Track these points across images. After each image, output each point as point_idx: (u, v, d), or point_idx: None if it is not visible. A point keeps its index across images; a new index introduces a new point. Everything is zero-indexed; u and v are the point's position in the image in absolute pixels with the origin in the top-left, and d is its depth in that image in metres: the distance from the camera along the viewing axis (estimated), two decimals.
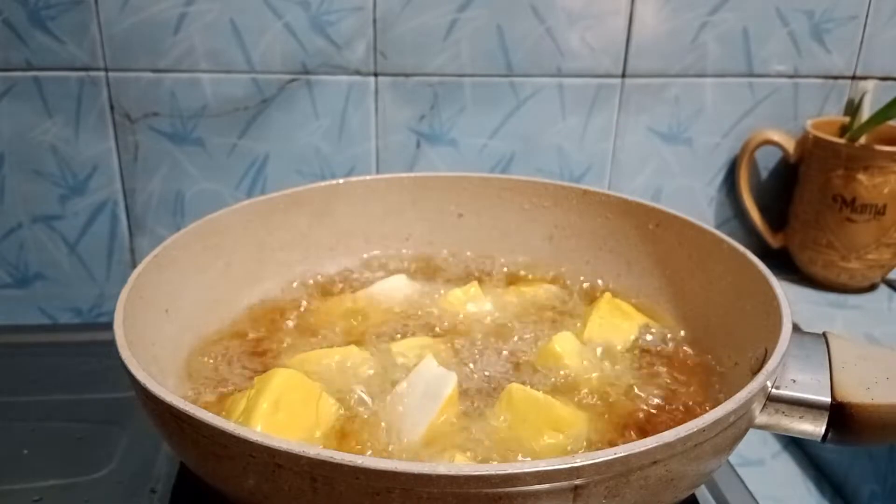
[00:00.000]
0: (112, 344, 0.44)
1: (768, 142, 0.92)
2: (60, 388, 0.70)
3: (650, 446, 0.34)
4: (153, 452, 0.60)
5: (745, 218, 0.96)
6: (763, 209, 0.95)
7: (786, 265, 0.95)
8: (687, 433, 0.35)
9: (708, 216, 0.97)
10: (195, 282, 0.59)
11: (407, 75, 0.85)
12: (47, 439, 0.63)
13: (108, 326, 0.46)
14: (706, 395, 0.52)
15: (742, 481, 0.60)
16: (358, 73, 0.84)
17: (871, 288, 0.93)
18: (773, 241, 0.96)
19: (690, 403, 0.50)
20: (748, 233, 0.97)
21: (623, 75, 0.88)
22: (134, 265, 0.87)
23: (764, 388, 0.40)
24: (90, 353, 0.74)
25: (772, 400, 0.43)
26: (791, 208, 0.94)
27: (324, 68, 0.84)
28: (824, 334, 0.47)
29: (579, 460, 0.33)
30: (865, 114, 0.89)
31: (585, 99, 0.88)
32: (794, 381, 0.43)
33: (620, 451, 0.34)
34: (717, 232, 0.59)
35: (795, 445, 0.67)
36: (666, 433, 0.35)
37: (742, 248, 0.56)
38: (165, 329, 0.53)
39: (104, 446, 0.61)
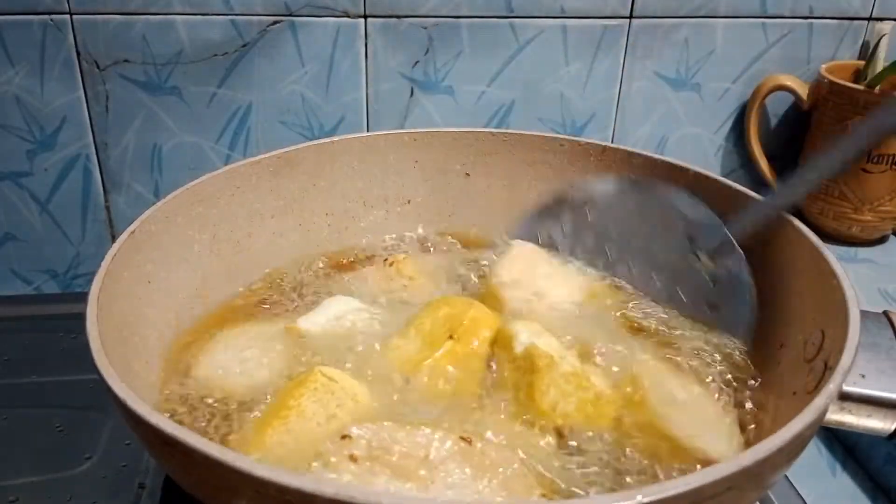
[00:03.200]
0: None
1: (780, 87, 0.87)
2: (35, 368, 0.64)
3: (726, 473, 0.30)
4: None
5: (752, 167, 0.92)
6: (771, 158, 0.91)
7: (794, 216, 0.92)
8: (766, 454, 0.31)
9: (714, 166, 0.93)
10: (178, 259, 0.54)
11: (399, 17, 0.79)
12: (22, 429, 0.58)
13: (86, 297, 0.43)
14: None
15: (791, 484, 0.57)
16: (346, 14, 0.78)
17: (882, 240, 0.90)
18: None
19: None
20: (755, 183, 0.93)
21: (630, 16, 0.82)
22: (110, 224, 0.82)
23: (839, 390, 0.37)
24: (67, 327, 0.68)
25: (840, 398, 0.39)
26: (802, 158, 0.90)
27: (308, 9, 0.77)
28: (886, 314, 0.44)
29: (641, 496, 0.29)
30: (881, 57, 0.84)
31: (590, 42, 0.83)
32: (863, 376, 0.40)
33: (693, 480, 0.30)
34: (758, 196, 0.55)
35: (837, 441, 0.64)
36: (744, 455, 0.31)
37: (788, 216, 0.52)
38: (147, 315, 0.49)
39: (86, 435, 0.56)
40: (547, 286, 0.57)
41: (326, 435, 0.41)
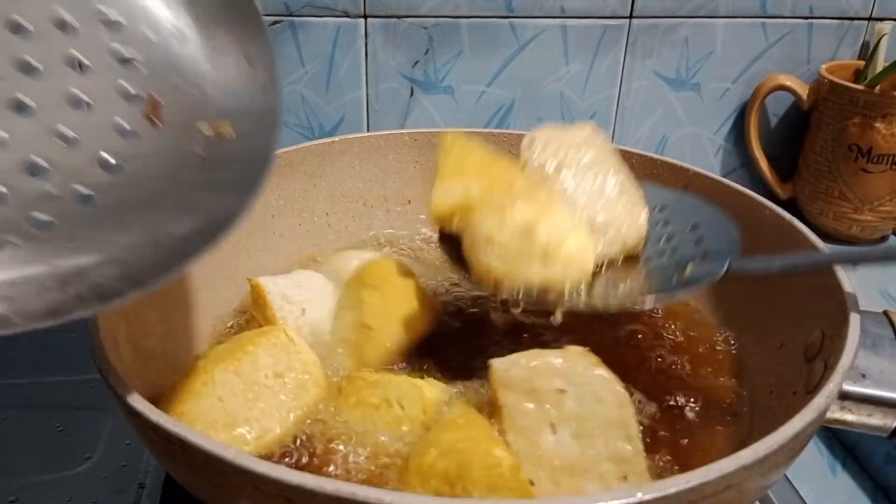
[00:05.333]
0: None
1: (780, 87, 0.87)
2: (35, 368, 0.64)
3: (726, 471, 0.30)
4: (140, 441, 0.55)
5: (752, 167, 0.92)
6: (771, 158, 0.91)
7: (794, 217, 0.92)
8: (766, 453, 0.31)
9: (714, 166, 0.93)
10: None
11: (399, 17, 0.79)
12: (22, 429, 0.58)
13: None
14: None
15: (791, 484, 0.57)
16: (346, 14, 0.78)
17: (882, 240, 0.90)
18: (782, 192, 0.92)
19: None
20: (755, 183, 0.93)
21: (630, 15, 0.82)
22: None
23: (839, 389, 0.37)
24: (67, 327, 0.68)
25: (840, 397, 0.39)
26: (802, 158, 0.90)
27: (309, 9, 0.77)
28: (886, 314, 0.43)
29: (641, 493, 0.29)
30: (881, 57, 0.84)
31: (590, 41, 0.83)
32: (864, 375, 0.39)
33: (693, 478, 0.30)
34: (757, 196, 0.55)
35: (835, 439, 0.64)
36: (743, 453, 0.31)
37: (788, 216, 0.52)
38: (146, 314, 0.49)
39: (86, 435, 0.56)
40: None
41: (269, 389, 0.44)
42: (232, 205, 0.34)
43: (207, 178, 0.36)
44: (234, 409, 0.43)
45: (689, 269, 0.46)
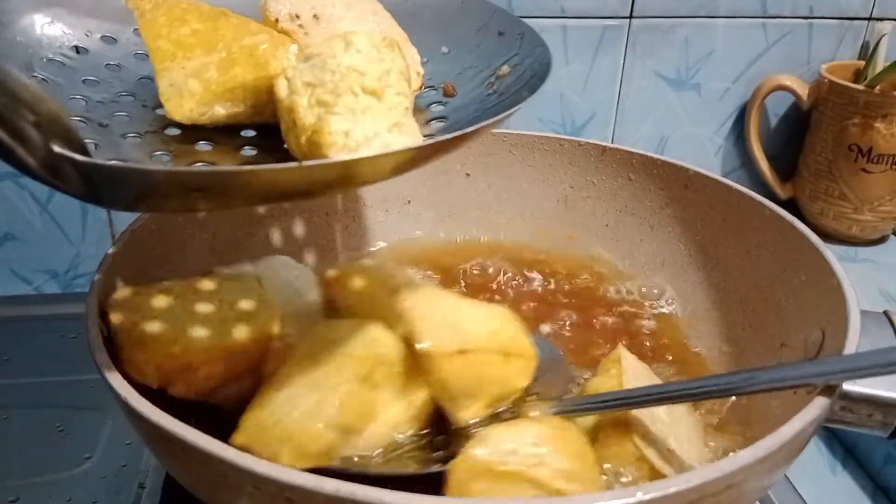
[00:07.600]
0: None
1: (780, 87, 0.87)
2: (35, 368, 0.64)
3: (726, 471, 0.30)
4: (140, 441, 0.55)
5: (752, 167, 0.92)
6: (771, 158, 0.91)
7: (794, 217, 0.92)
8: (767, 452, 0.31)
9: (714, 166, 0.93)
10: (178, 258, 0.54)
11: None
12: (22, 429, 0.58)
13: (86, 297, 0.42)
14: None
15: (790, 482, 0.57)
16: None
17: (882, 240, 0.90)
18: (782, 192, 0.92)
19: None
20: (755, 183, 0.93)
21: (630, 16, 0.82)
22: (110, 224, 0.82)
23: (840, 389, 0.37)
24: (68, 327, 0.68)
25: (840, 397, 0.39)
26: (802, 157, 0.90)
27: None
28: (886, 314, 0.43)
29: (641, 493, 0.29)
30: (881, 58, 0.85)
31: (590, 42, 0.83)
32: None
33: (693, 478, 0.30)
34: (757, 196, 0.55)
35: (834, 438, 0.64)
36: (743, 453, 0.31)
37: (788, 216, 0.52)
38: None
39: (86, 435, 0.56)
40: None
41: None
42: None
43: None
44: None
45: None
